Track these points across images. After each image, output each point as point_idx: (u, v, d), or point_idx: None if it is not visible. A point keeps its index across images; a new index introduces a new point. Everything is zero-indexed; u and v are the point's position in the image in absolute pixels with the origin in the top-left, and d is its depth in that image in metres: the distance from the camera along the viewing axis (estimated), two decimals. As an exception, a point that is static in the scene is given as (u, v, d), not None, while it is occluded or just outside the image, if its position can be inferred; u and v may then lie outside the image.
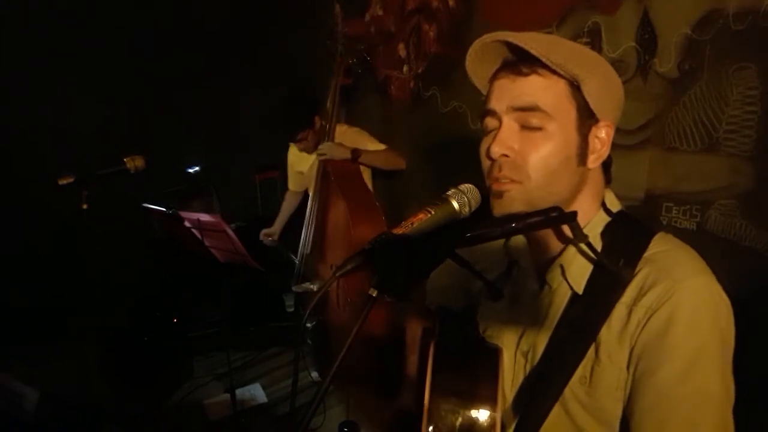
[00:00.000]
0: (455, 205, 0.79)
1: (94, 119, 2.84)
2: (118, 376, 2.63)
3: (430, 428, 0.83)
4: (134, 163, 1.97)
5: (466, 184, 0.81)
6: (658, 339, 0.75)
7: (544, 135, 0.79)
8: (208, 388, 2.78)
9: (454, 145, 2.54)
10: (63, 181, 1.85)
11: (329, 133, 2.57)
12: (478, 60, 0.86)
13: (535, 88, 0.80)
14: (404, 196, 2.96)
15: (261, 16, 3.40)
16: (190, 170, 3.37)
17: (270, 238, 3.06)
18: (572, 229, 0.82)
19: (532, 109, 0.79)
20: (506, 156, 0.81)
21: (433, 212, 0.77)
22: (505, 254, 0.99)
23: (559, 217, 0.78)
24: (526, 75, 0.80)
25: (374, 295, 0.73)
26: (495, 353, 0.87)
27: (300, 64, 3.40)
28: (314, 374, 2.70)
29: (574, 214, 0.81)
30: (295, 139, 2.68)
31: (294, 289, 2.68)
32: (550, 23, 1.92)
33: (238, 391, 2.46)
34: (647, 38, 1.60)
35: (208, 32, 3.24)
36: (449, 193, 0.80)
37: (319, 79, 3.11)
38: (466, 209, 0.80)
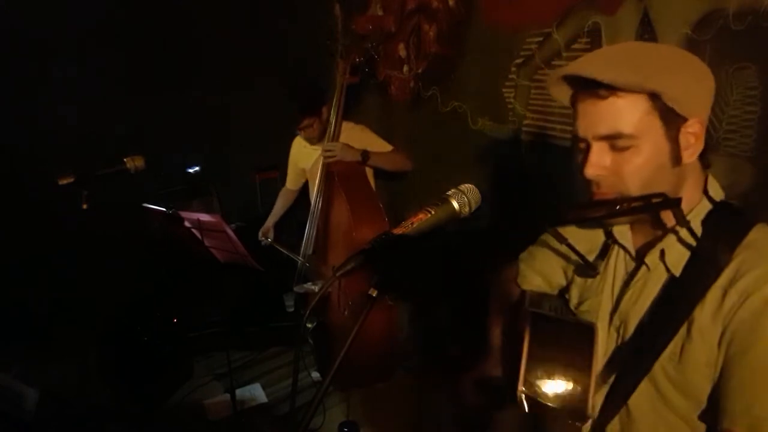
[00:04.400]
0: (455, 205, 0.79)
1: (94, 119, 2.84)
2: (118, 376, 2.62)
3: (523, 389, 0.86)
4: (134, 163, 1.97)
5: (466, 184, 0.82)
6: (752, 320, 0.78)
7: (634, 151, 0.83)
8: (208, 388, 2.78)
9: (454, 145, 2.54)
10: (63, 181, 1.85)
11: (335, 132, 2.55)
12: (558, 85, 0.90)
13: (615, 111, 0.81)
14: (404, 196, 2.97)
15: (261, 15, 3.40)
16: (190, 170, 3.37)
17: (266, 238, 2.94)
18: (675, 215, 0.84)
19: (616, 136, 0.82)
20: (600, 174, 0.86)
21: (433, 212, 0.78)
22: (605, 235, 1.04)
23: (663, 203, 0.81)
24: (605, 98, 0.82)
25: (374, 295, 0.73)
26: (590, 329, 0.90)
27: (300, 64, 3.40)
28: (314, 374, 2.71)
29: (679, 200, 0.83)
30: (300, 126, 2.60)
31: (295, 289, 2.68)
32: (550, 23, 1.92)
33: (238, 391, 2.46)
34: (647, 38, 1.60)
35: (207, 32, 3.23)
36: (449, 193, 0.80)
37: (319, 78, 3.10)
38: (466, 209, 0.80)
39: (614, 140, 0.83)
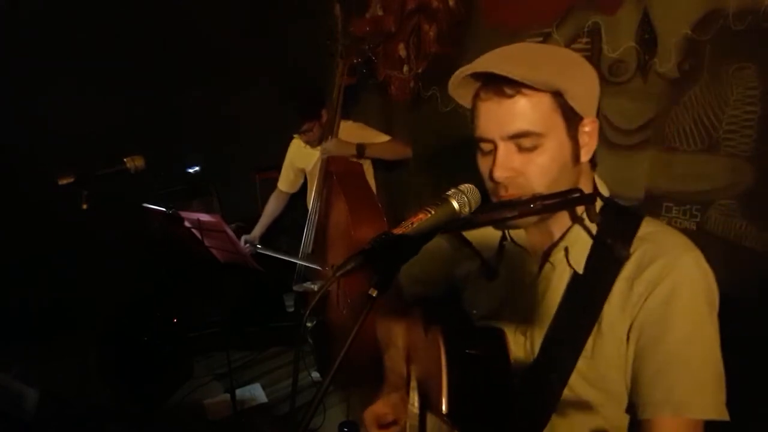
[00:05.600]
0: (455, 205, 0.79)
1: (94, 119, 2.84)
2: (118, 376, 2.63)
3: (447, 410, 0.84)
4: (134, 163, 1.96)
5: (466, 184, 0.82)
6: (661, 309, 0.81)
7: (540, 151, 0.83)
8: (208, 388, 2.78)
9: (454, 145, 2.54)
10: (63, 181, 1.85)
11: (333, 132, 2.55)
12: (460, 85, 0.88)
13: (521, 110, 0.82)
14: (404, 196, 2.97)
15: (261, 15, 3.40)
16: (190, 170, 3.37)
17: (249, 246, 2.83)
18: (587, 211, 0.85)
19: (523, 135, 0.82)
20: (509, 177, 0.85)
21: (433, 212, 0.77)
22: (501, 235, 1.01)
23: (579, 198, 0.81)
24: (511, 96, 0.82)
25: (374, 295, 0.73)
26: (500, 335, 0.89)
27: (300, 64, 3.40)
28: (314, 374, 2.71)
29: (594, 196, 0.85)
30: (301, 130, 2.62)
31: (295, 288, 2.68)
32: (550, 23, 1.92)
33: (238, 391, 2.46)
34: (647, 38, 1.60)
35: (207, 32, 3.23)
36: (449, 193, 0.80)
37: (319, 78, 3.10)
38: (466, 209, 0.80)
39: (521, 139, 0.82)
